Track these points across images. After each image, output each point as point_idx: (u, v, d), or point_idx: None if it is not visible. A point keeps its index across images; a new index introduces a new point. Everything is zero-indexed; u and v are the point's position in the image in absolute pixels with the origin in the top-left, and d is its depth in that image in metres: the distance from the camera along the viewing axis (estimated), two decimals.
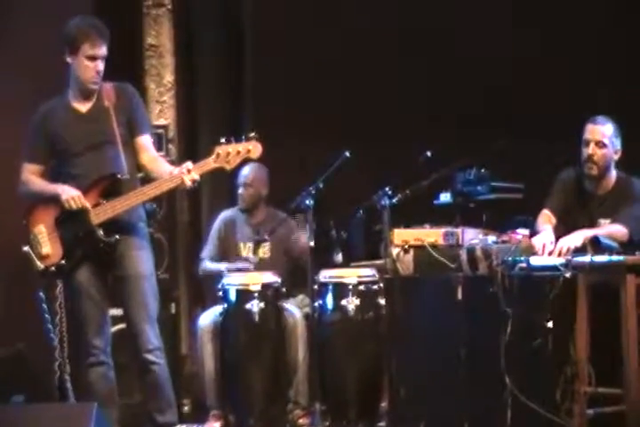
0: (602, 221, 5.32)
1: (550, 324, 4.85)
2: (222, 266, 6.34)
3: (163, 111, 6.95)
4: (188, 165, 4.81)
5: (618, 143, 5.42)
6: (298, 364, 5.99)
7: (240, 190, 6.48)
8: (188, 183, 4.77)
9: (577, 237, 5.11)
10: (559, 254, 5.04)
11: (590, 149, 5.38)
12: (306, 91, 6.89)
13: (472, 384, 5.05)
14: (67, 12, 6.41)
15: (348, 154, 5.79)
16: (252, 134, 4.77)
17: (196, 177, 4.79)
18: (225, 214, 6.56)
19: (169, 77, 6.84)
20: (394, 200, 5.72)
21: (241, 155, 4.75)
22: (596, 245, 4.97)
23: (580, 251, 5.00)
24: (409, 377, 5.30)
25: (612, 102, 6.05)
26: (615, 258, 4.82)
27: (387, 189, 5.72)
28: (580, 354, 4.82)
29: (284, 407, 5.99)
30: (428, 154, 5.73)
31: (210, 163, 4.80)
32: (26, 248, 4.93)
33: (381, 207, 5.71)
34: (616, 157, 5.41)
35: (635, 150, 5.54)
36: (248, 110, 7.13)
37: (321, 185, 5.81)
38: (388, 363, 5.55)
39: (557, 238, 5.17)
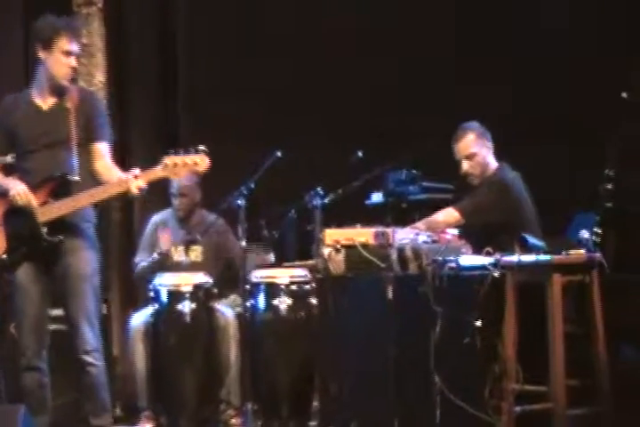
0: None
1: (479, 322, 4.89)
2: (153, 255, 6.29)
3: None
4: (135, 171, 4.81)
5: (485, 141, 5.69)
6: (230, 364, 6.00)
7: (175, 201, 6.42)
8: (134, 190, 4.78)
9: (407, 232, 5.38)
10: None
11: (464, 166, 5.69)
12: (238, 91, 6.88)
13: (402, 383, 5.07)
14: None
15: (279, 154, 5.81)
16: (202, 148, 4.78)
17: (142, 184, 4.79)
18: (156, 218, 6.50)
19: (100, 77, 6.78)
20: (325, 200, 5.74)
21: (188, 167, 4.76)
22: (523, 244, 5.03)
23: (508, 251, 5.06)
24: (340, 376, 5.32)
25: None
26: (542, 258, 4.88)
27: (318, 189, 5.74)
28: (508, 352, 4.86)
29: (216, 408, 6.00)
30: (360, 154, 5.77)
31: (157, 172, 4.80)
32: None
33: (313, 207, 5.73)
34: (489, 151, 5.69)
35: None
36: (181, 110, 7.10)
37: (252, 185, 5.82)
38: (319, 362, 5.57)
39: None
